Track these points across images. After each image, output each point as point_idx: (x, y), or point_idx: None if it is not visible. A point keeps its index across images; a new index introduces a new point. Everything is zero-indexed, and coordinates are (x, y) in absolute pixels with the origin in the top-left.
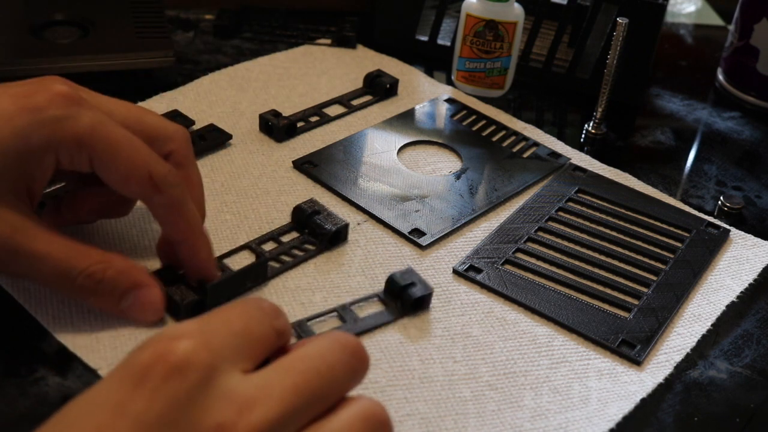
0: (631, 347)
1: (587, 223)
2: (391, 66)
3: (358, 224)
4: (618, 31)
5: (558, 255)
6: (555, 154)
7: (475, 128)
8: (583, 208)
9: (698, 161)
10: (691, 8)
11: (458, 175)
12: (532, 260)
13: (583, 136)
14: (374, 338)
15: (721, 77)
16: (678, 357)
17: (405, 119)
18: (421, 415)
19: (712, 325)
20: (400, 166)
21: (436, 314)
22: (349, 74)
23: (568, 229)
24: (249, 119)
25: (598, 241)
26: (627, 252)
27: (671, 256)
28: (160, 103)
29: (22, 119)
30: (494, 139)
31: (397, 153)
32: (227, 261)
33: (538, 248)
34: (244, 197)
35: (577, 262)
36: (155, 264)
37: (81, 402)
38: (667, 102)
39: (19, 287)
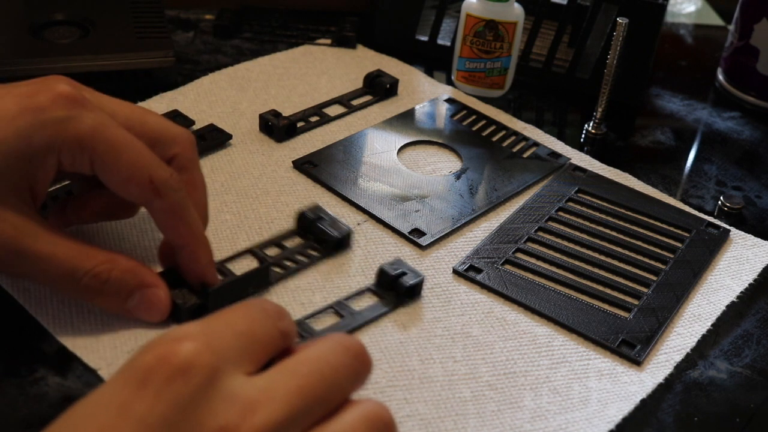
0: (631, 347)
1: (587, 223)
2: (391, 66)
3: (358, 224)
4: (618, 31)
5: (558, 255)
6: (555, 154)
7: (475, 128)
8: (583, 208)
9: (698, 161)
10: (691, 8)
11: (458, 175)
12: (532, 260)
13: (583, 136)
14: (374, 338)
15: (721, 77)
16: (678, 357)
17: (405, 119)
18: (421, 416)
19: (712, 325)
20: (400, 166)
21: (436, 314)
22: (349, 74)
23: (568, 229)
24: (249, 119)
25: (598, 241)
26: (627, 252)
27: (671, 256)
28: (160, 103)
29: (24, 120)
30: (494, 139)
31: (397, 153)
32: (230, 265)
33: (538, 248)
34: (244, 197)
35: (577, 262)
36: (156, 267)
37: (85, 404)
38: (667, 102)
39: (19, 287)
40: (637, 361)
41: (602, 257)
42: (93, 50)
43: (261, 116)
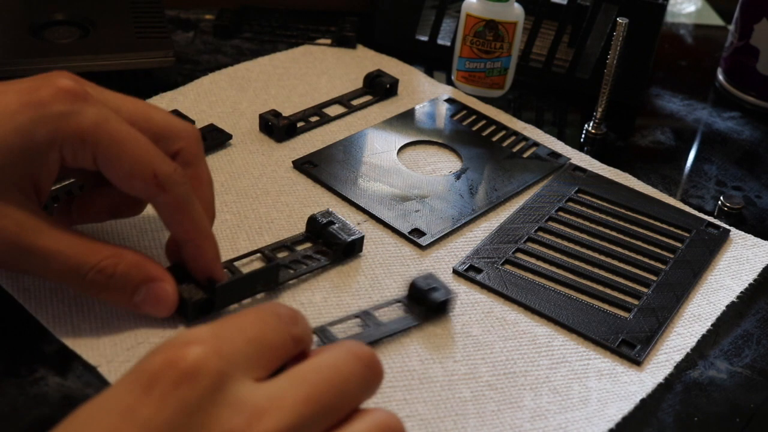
0: (631, 347)
1: (587, 223)
2: (391, 66)
3: (358, 224)
4: (618, 31)
5: (558, 255)
6: (555, 154)
7: (475, 128)
8: (583, 208)
9: (698, 161)
10: (691, 8)
11: (458, 175)
12: (532, 260)
13: (583, 136)
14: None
15: (721, 77)
16: (678, 357)
17: (405, 119)
18: (421, 416)
19: (712, 325)
20: (400, 166)
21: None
22: (349, 74)
23: (568, 229)
24: (249, 119)
25: (598, 241)
26: (627, 252)
27: (671, 256)
28: (160, 103)
29: (25, 115)
30: (494, 139)
31: (397, 153)
32: (238, 264)
33: (538, 248)
34: (244, 197)
35: (577, 262)
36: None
37: (90, 407)
38: (667, 102)
39: (19, 287)
40: (637, 361)
41: (602, 257)
42: (93, 50)
43: (261, 116)
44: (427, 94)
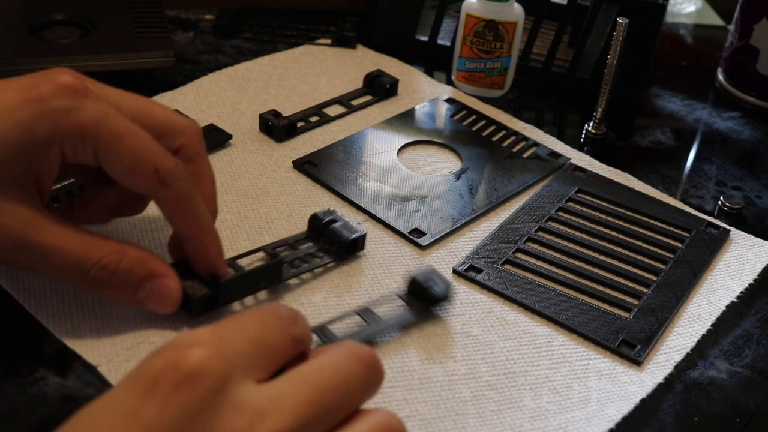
0: (631, 347)
1: (587, 223)
2: (391, 66)
3: (358, 224)
4: (618, 31)
5: (558, 255)
6: (555, 154)
7: (475, 128)
8: (583, 208)
9: (698, 161)
10: (691, 8)
11: (458, 175)
12: (532, 260)
13: (583, 136)
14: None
15: (721, 77)
16: (678, 357)
17: (405, 119)
18: (421, 416)
19: (712, 325)
20: (400, 166)
21: (436, 314)
22: (349, 74)
23: (568, 229)
24: (249, 119)
25: (598, 241)
26: (627, 252)
27: (671, 256)
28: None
29: (25, 111)
30: (494, 139)
31: (397, 153)
32: (242, 262)
33: (538, 248)
34: (244, 197)
35: (577, 262)
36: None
37: (92, 409)
38: (667, 102)
39: (18, 287)
40: (637, 361)
41: (602, 257)
42: (93, 50)
43: (261, 116)
44: (427, 94)
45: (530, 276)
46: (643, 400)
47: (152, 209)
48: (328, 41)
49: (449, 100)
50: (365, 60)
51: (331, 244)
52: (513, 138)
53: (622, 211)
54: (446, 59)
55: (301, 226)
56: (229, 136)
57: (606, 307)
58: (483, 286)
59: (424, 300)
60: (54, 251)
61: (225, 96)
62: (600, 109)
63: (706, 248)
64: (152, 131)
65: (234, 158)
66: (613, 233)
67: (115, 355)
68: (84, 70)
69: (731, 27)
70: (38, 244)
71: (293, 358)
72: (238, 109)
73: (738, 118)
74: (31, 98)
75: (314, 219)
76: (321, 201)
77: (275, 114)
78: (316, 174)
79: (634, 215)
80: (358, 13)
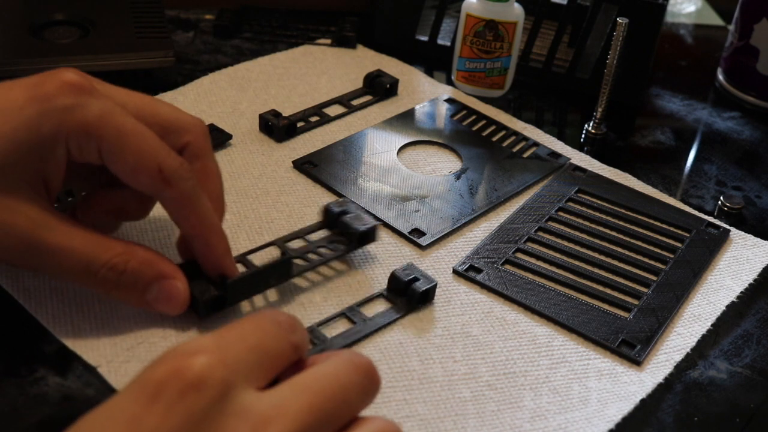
0: (631, 347)
1: (587, 223)
2: (391, 66)
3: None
4: (618, 31)
5: (558, 255)
6: (555, 154)
7: (475, 128)
8: (583, 208)
9: (698, 161)
10: (691, 8)
11: (458, 175)
12: (532, 260)
13: (583, 136)
14: (373, 339)
15: (721, 77)
16: (678, 357)
17: (405, 119)
18: (421, 416)
19: (712, 325)
20: (400, 166)
21: (436, 314)
22: (349, 74)
23: (568, 229)
24: (249, 119)
25: (598, 241)
26: (627, 252)
27: (671, 256)
28: None
29: (31, 109)
30: (494, 139)
31: (397, 153)
32: (252, 257)
33: (538, 248)
34: (244, 197)
35: (577, 262)
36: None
37: (96, 416)
38: (667, 102)
39: (18, 287)
40: (637, 361)
41: (602, 257)
42: (93, 50)
43: (261, 116)
44: (427, 94)
45: (530, 276)
46: (643, 400)
47: (152, 209)
48: (328, 41)
49: (449, 100)
50: (365, 60)
51: (343, 236)
52: (513, 138)
53: (622, 211)
54: (446, 59)
55: (301, 226)
56: (229, 136)
57: (606, 307)
58: (483, 286)
59: (406, 296)
60: (63, 251)
61: (225, 96)
62: (600, 109)
63: (706, 248)
64: (158, 129)
65: (234, 158)
66: (613, 233)
67: (115, 355)
68: (84, 70)
69: (731, 27)
70: (47, 245)
71: (291, 364)
72: (238, 109)
73: (738, 118)
74: (36, 96)
75: (327, 210)
76: (321, 201)
77: (275, 114)
78: (316, 174)
79: (634, 215)
80: (358, 13)
